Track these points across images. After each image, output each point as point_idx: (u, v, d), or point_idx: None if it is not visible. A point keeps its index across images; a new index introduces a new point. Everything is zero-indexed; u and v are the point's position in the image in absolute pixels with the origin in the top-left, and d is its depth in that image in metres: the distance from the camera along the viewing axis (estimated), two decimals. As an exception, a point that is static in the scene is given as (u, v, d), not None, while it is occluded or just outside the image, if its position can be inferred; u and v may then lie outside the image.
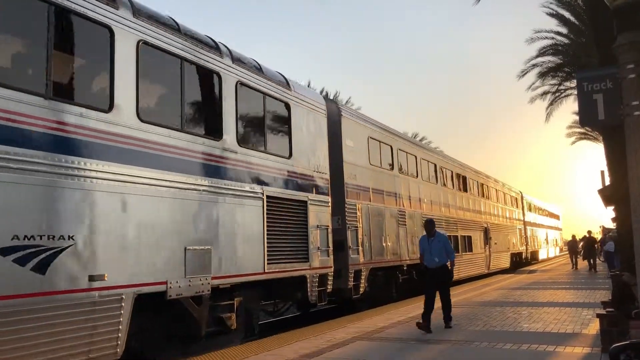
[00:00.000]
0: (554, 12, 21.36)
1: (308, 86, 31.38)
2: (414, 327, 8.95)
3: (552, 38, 22.73)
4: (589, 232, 28.48)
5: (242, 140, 8.32)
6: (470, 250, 21.33)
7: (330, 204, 10.78)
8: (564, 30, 22.09)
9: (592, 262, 25.44)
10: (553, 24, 23.89)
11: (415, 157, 17.04)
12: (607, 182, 18.11)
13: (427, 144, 19.92)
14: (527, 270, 29.34)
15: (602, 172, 20.39)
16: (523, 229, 34.17)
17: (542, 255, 41.71)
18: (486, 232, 24.09)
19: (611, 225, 31.01)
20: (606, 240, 27.99)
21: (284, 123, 9.71)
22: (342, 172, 12.19)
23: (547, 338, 7.70)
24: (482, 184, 25.50)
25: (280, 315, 11.68)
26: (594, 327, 8.22)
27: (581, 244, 30.84)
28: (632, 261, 8.05)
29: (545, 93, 25.76)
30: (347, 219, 12.02)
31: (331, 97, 37.39)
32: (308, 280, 9.71)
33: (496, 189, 28.42)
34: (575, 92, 7.34)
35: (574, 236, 32.81)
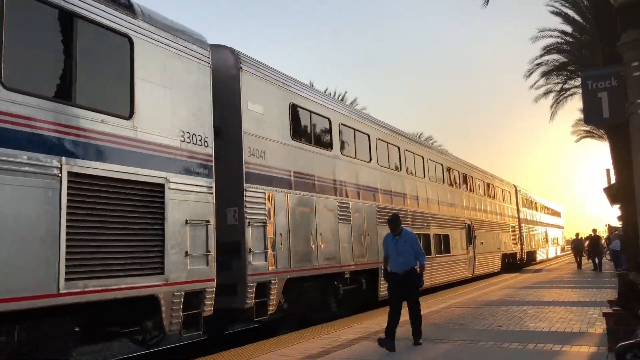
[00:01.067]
0: (558, 11, 21.31)
1: (311, 86, 30.51)
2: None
3: (557, 36, 22.69)
4: (594, 230, 28.31)
5: (12, 81, 5.28)
6: (448, 251, 18.15)
7: (214, 190, 7.67)
8: (568, 28, 22.04)
9: (597, 261, 25.24)
10: (557, 23, 23.82)
11: (368, 136, 13.67)
12: (613, 181, 18.06)
13: (387, 125, 15.31)
14: (532, 269, 29.22)
15: (608, 171, 20.37)
16: (517, 226, 30.78)
17: (540, 256, 38.29)
18: (469, 230, 20.90)
19: (617, 223, 30.93)
20: (612, 238, 27.91)
21: (119, 65, 6.59)
22: (241, 148, 8.92)
23: (553, 337, 7.68)
24: (465, 175, 22.06)
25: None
26: (601, 326, 8.19)
27: (586, 242, 30.38)
28: (639, 259, 8.02)
29: (549, 92, 25.71)
30: (248, 212, 8.78)
31: (340, 98, 36.37)
32: (162, 302, 6.61)
33: (484, 181, 24.99)
34: (580, 91, 7.33)
35: (578, 234, 30.84)
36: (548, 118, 27.63)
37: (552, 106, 26.49)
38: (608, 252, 34.59)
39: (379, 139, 14.14)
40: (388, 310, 7.75)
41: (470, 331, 8.56)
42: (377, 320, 10.15)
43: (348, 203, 12.02)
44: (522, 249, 30.96)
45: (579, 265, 28.18)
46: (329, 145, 11.77)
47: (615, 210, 23.47)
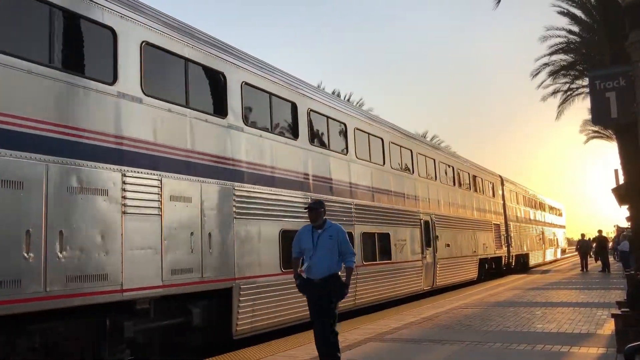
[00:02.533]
0: (565, 11, 21.23)
1: (319, 86, 30.26)
2: (426, 328, 8.92)
3: (564, 36, 22.60)
4: (600, 231, 28.07)
5: None
6: (388, 257, 13.32)
7: None
8: (575, 28, 21.95)
9: (604, 262, 25.01)
10: (564, 22, 23.70)
11: (270, 95, 9.84)
12: (621, 181, 17.96)
13: (292, 78, 10.75)
14: (540, 270, 29.06)
15: (616, 171, 20.27)
16: (503, 225, 25.29)
17: (535, 260, 32.27)
18: (428, 228, 16.10)
19: (626, 224, 30.70)
20: (620, 239, 27.75)
21: None
22: None
23: (562, 338, 7.64)
24: (424, 157, 16.91)
25: None
26: (609, 327, 8.15)
27: (593, 244, 29.98)
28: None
29: (556, 92, 25.60)
30: None
31: (346, 99, 36.06)
32: None
33: (454, 168, 19.61)
34: (588, 91, 7.30)
35: (583, 235, 28.61)
36: (555, 118, 27.52)
37: (559, 106, 26.38)
38: (616, 253, 34.44)
39: (279, 96, 10.06)
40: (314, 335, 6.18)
41: (477, 332, 8.53)
42: (385, 322, 10.15)
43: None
44: (509, 251, 25.68)
45: (584, 267, 26.05)
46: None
47: (624, 211, 23.36)
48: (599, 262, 26.48)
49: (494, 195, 24.78)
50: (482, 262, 21.35)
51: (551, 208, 42.83)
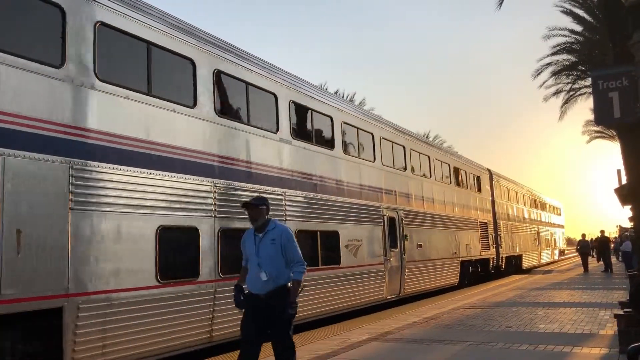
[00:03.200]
0: (568, 11, 21.23)
1: (323, 86, 30.21)
2: (428, 328, 8.91)
3: (567, 36, 22.58)
4: (602, 231, 27.99)
5: None
6: (335, 261, 10.87)
7: None
8: (578, 28, 21.94)
9: (607, 262, 24.93)
10: (567, 22, 23.70)
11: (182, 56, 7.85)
12: (624, 181, 17.91)
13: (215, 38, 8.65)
14: (542, 270, 29.00)
15: (619, 171, 20.21)
16: (491, 223, 22.63)
17: (529, 261, 29.51)
18: (393, 226, 13.59)
19: (628, 224, 30.62)
20: (623, 239, 27.70)
21: None
22: None
23: (564, 339, 7.63)
24: (392, 143, 14.30)
25: None
26: (612, 327, 8.14)
27: (595, 244, 29.89)
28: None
29: (559, 92, 25.58)
30: None
31: (348, 99, 35.85)
32: None
33: (429, 157, 16.90)
34: (591, 91, 7.30)
35: (584, 235, 27.38)
36: (557, 118, 27.49)
37: (562, 106, 26.37)
38: (618, 253, 34.39)
39: (201, 63, 8.12)
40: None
41: (479, 332, 8.52)
42: (387, 322, 10.15)
43: None
44: (498, 253, 23.01)
45: (586, 268, 24.97)
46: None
47: (627, 211, 23.31)
48: (601, 263, 26.41)
49: (480, 190, 21.78)
50: (466, 265, 18.79)
51: (548, 206, 39.77)
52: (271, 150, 9.37)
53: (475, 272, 20.36)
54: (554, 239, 40.01)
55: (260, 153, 9.04)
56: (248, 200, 5.30)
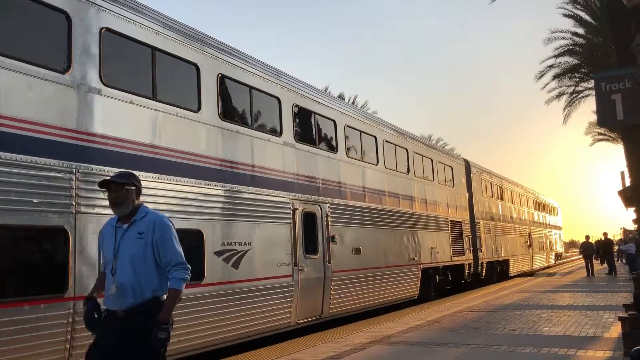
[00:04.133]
0: (570, 13, 21.22)
1: (326, 90, 30.05)
2: (432, 331, 8.89)
3: (569, 38, 22.58)
4: (605, 234, 27.83)
5: None
6: (196, 276, 6.87)
7: None
8: (580, 30, 21.94)
9: (610, 264, 24.79)
10: (569, 25, 23.68)
11: None
12: (628, 183, 17.90)
13: None
14: (546, 273, 28.89)
15: (622, 173, 20.20)
16: (467, 223, 18.92)
17: (518, 267, 25.80)
18: (312, 224, 10.38)
19: (632, 226, 30.52)
20: (627, 242, 27.61)
21: None
22: None
23: (568, 341, 7.61)
24: (313, 114, 10.88)
25: None
26: (616, 330, 8.11)
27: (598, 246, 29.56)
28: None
29: (561, 94, 25.58)
30: None
31: (350, 102, 35.72)
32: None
33: (375, 138, 13.17)
34: (594, 93, 7.29)
35: (588, 237, 25.68)
36: (561, 121, 27.47)
37: (564, 109, 26.36)
38: (622, 255, 34.27)
39: None
40: None
41: (483, 335, 8.50)
42: (390, 325, 10.13)
43: None
44: (476, 257, 19.31)
45: (590, 272, 23.86)
46: None
47: (631, 213, 23.25)
48: (604, 265, 26.30)
49: (453, 184, 18.20)
50: (430, 272, 15.29)
51: (543, 205, 35.44)
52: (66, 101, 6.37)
53: (447, 281, 16.86)
54: (550, 242, 35.88)
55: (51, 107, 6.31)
56: (109, 177, 3.82)
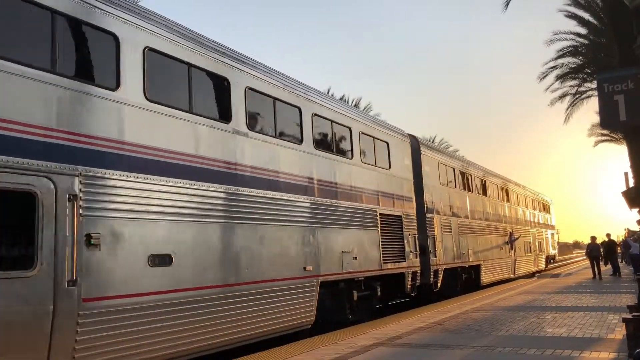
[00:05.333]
0: (573, 14, 21.22)
1: (328, 92, 29.99)
2: (435, 333, 8.87)
3: (571, 39, 22.57)
4: (608, 234, 27.66)
5: None
6: None
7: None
8: (583, 31, 21.92)
9: (614, 265, 24.68)
10: (572, 26, 23.67)
11: None
12: (631, 184, 17.83)
13: None
14: (550, 274, 28.79)
15: (626, 174, 20.11)
16: (413, 218, 14.30)
17: (493, 274, 21.03)
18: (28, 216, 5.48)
19: (636, 227, 30.40)
20: (629, 242, 27.48)
21: None
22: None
23: (572, 343, 7.59)
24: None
25: None
26: (620, 331, 8.08)
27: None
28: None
29: (564, 95, 25.56)
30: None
31: (354, 104, 35.33)
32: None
33: (225, 80, 8.43)
34: (597, 93, 7.28)
35: (594, 238, 24.24)
36: (563, 121, 27.45)
37: (567, 109, 26.34)
38: (625, 256, 34.15)
39: None
40: None
41: (487, 337, 8.48)
42: (393, 327, 10.11)
43: None
44: (427, 264, 14.96)
45: (596, 274, 22.68)
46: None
47: (634, 214, 23.17)
48: (608, 266, 26.17)
49: (389, 165, 13.40)
50: (341, 287, 11.03)
51: (531, 200, 30.57)
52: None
53: (375, 297, 12.48)
54: (539, 243, 30.81)
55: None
56: None
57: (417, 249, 14.14)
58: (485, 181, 22.12)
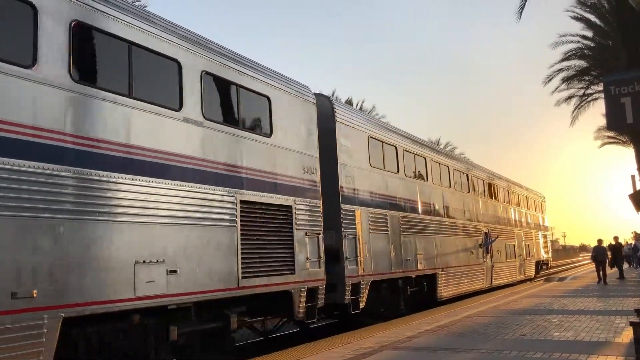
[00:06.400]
0: (579, 16, 21.18)
1: (332, 95, 29.90)
2: (441, 336, 8.85)
3: (577, 42, 22.52)
4: (616, 237, 27.47)
5: None
6: None
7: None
8: (589, 33, 21.88)
9: (619, 268, 24.45)
10: (578, 28, 23.62)
11: None
12: (639, 187, 17.78)
13: None
14: (556, 277, 28.62)
15: (633, 177, 20.03)
16: (314, 211, 10.02)
17: (459, 285, 16.73)
18: None
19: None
20: (638, 246, 27.38)
21: None
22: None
23: (579, 347, 7.55)
24: None
25: None
26: (627, 335, 8.04)
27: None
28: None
29: (571, 97, 25.49)
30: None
31: (358, 107, 35.05)
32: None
33: None
34: (603, 96, 7.26)
35: (600, 241, 23.14)
36: (569, 124, 27.37)
37: (573, 111, 26.27)
38: (633, 259, 33.98)
39: None
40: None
41: (493, 340, 8.45)
42: (399, 329, 10.09)
43: None
44: (341, 275, 10.85)
45: (602, 279, 21.61)
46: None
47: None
48: (614, 269, 25.95)
49: (271, 131, 9.34)
50: (105, 331, 6.37)
51: (517, 195, 26.15)
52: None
53: (231, 330, 8.18)
54: (527, 246, 26.22)
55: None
56: None
57: (322, 255, 9.97)
58: (449, 169, 17.58)
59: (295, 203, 9.51)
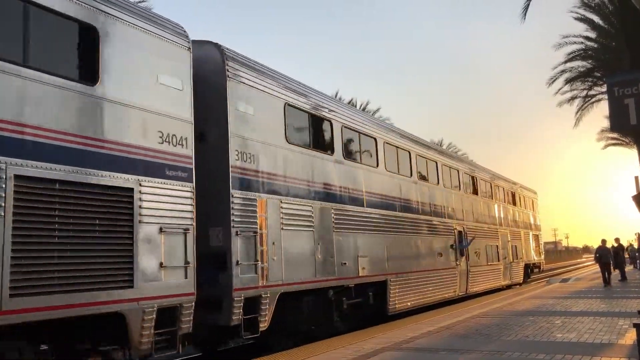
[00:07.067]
0: (583, 17, 21.17)
1: (335, 96, 29.47)
2: (444, 337, 8.84)
3: (581, 43, 22.50)
4: (617, 239, 27.36)
5: None
6: None
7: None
8: (592, 34, 21.85)
9: (621, 269, 24.35)
10: (581, 29, 23.59)
11: None
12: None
13: None
14: (559, 278, 28.56)
15: (637, 178, 19.96)
16: (184, 197, 7.18)
17: (419, 294, 13.79)
18: None
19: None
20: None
21: None
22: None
23: (582, 348, 7.53)
24: None
25: None
26: (630, 336, 8.02)
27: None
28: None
29: (574, 98, 25.45)
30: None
31: (361, 107, 34.43)
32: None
33: None
34: (606, 97, 7.25)
35: (604, 242, 22.37)
36: (572, 125, 27.33)
37: (576, 113, 26.23)
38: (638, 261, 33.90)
39: None
40: None
41: (496, 342, 8.44)
42: (402, 331, 10.08)
43: None
44: (228, 287, 7.95)
45: (606, 280, 21.04)
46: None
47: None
48: (616, 271, 25.83)
49: (97, 78, 6.29)
50: None
51: (502, 190, 23.39)
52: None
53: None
54: (514, 247, 23.44)
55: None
56: None
57: (190, 260, 7.13)
58: (410, 154, 14.73)
59: (140, 185, 6.60)
